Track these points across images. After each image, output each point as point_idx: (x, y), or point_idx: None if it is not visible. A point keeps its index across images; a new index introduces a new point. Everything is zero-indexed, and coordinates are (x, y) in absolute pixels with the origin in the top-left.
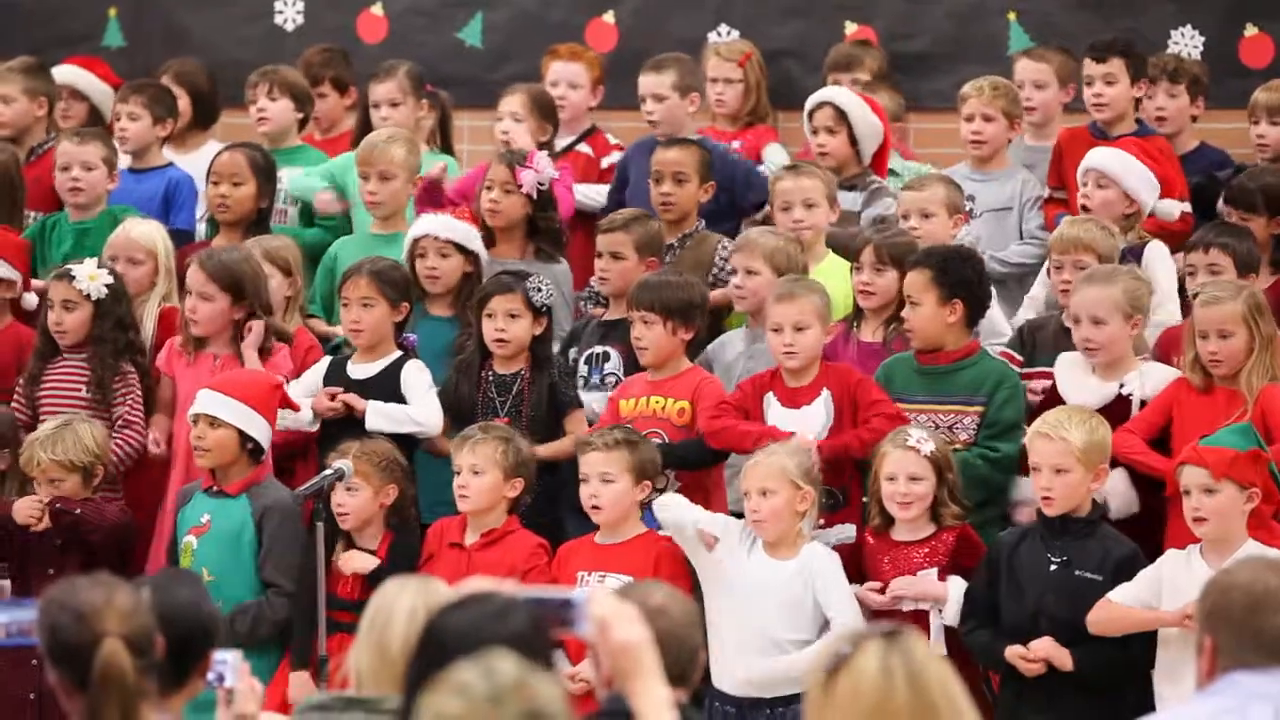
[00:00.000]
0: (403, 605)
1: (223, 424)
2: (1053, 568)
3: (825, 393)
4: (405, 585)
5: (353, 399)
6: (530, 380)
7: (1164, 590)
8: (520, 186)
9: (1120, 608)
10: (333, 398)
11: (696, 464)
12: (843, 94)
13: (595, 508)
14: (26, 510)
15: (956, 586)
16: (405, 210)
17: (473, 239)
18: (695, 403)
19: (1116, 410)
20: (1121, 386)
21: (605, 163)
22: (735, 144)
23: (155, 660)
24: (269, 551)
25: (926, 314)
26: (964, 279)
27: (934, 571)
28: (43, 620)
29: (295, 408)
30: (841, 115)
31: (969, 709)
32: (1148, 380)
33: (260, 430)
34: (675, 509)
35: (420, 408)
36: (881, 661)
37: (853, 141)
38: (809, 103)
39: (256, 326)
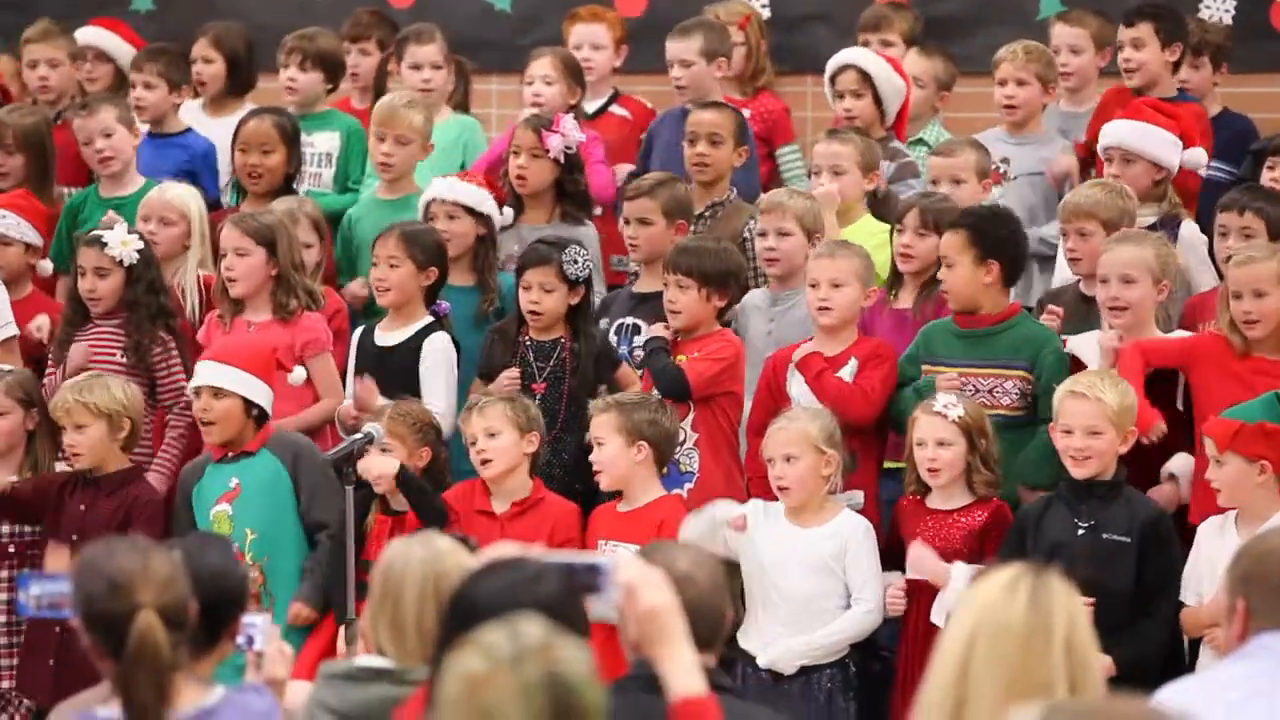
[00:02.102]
0: (413, 570)
1: (226, 394)
2: (1080, 532)
3: (853, 361)
4: (411, 548)
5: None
6: (570, 349)
7: (1201, 561)
8: (547, 151)
9: (1191, 612)
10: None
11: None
12: (865, 56)
13: (598, 471)
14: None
15: (960, 573)
16: (413, 174)
17: (483, 202)
18: (701, 349)
19: (1160, 380)
20: None
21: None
22: (746, 112)
23: (189, 630)
24: (312, 495)
25: (963, 275)
26: (1000, 239)
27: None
28: (77, 586)
29: (288, 369)
30: (865, 78)
31: (1093, 650)
32: None
33: (263, 395)
34: (696, 524)
35: (437, 401)
36: (1012, 580)
37: (878, 103)
38: (830, 66)
39: (297, 373)
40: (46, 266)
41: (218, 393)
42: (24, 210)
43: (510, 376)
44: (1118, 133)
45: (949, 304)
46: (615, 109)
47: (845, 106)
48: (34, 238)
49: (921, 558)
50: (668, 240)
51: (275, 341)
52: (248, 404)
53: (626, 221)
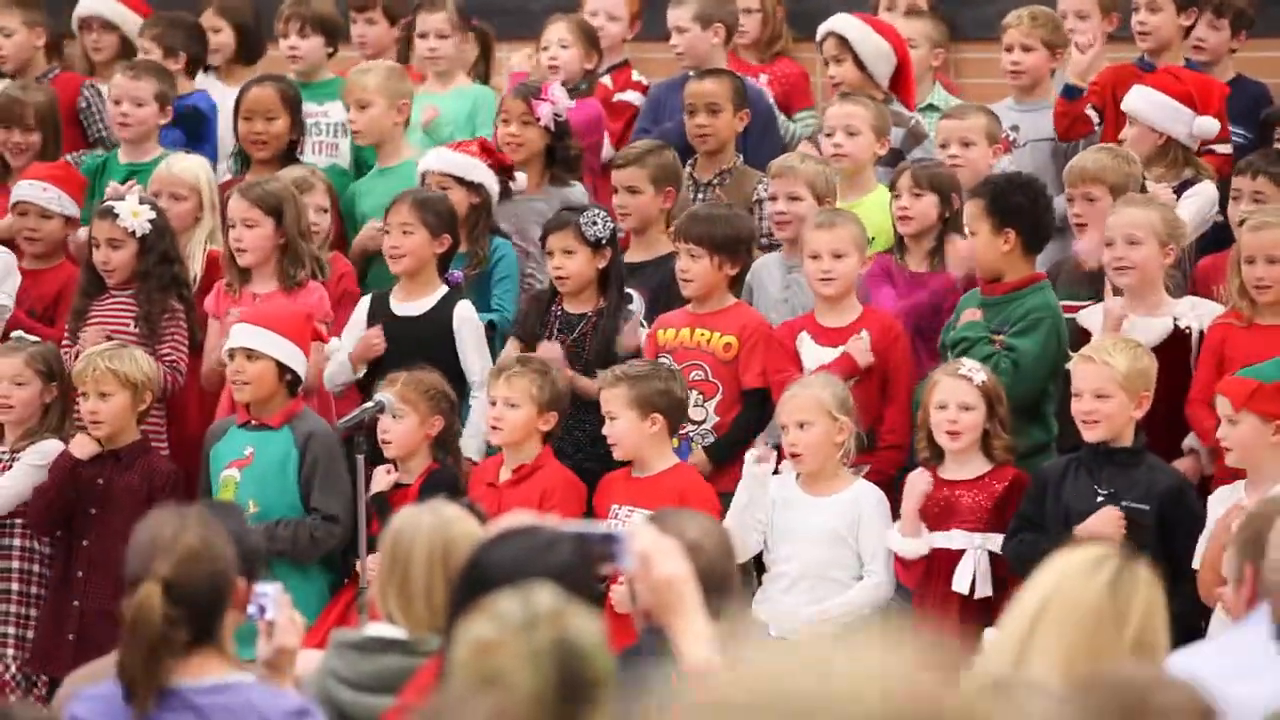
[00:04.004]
0: (421, 537)
1: (260, 356)
2: (1099, 499)
3: (865, 334)
4: (420, 516)
5: None
6: (595, 324)
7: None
8: (538, 119)
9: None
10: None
11: (752, 431)
12: (843, 21)
13: (613, 444)
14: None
15: (968, 562)
16: (402, 140)
17: (472, 170)
18: (744, 342)
19: (1174, 346)
20: (1176, 320)
21: (617, 98)
22: (763, 78)
23: (204, 609)
24: (314, 480)
25: (981, 243)
26: (1017, 207)
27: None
28: (129, 546)
29: (325, 339)
30: (844, 42)
31: (1163, 647)
32: (1201, 313)
33: (297, 361)
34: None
35: (477, 374)
36: (1099, 559)
37: (862, 67)
38: (818, 36)
39: (334, 342)
40: (81, 236)
41: (251, 355)
42: (63, 181)
43: (553, 351)
44: (1128, 99)
45: (976, 271)
46: (605, 79)
47: (830, 73)
48: (73, 210)
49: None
50: (656, 208)
51: None
52: (281, 369)
53: (615, 190)
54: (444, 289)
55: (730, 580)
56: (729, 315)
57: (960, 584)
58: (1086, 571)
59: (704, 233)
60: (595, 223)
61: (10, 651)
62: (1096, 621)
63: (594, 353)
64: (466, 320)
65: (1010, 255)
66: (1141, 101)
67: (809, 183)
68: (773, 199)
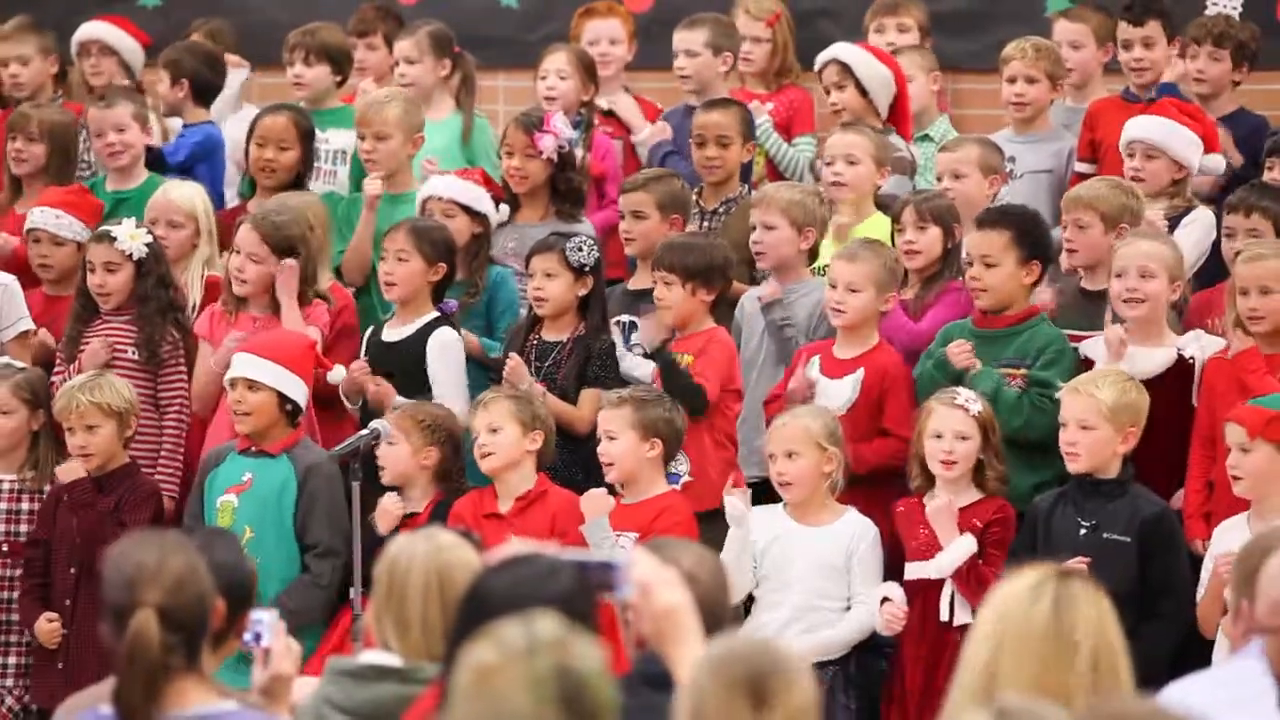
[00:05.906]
0: (417, 565)
1: (261, 387)
2: (1083, 532)
3: (860, 372)
4: (415, 544)
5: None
6: (570, 352)
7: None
8: (540, 152)
9: (1204, 601)
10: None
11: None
12: (845, 48)
13: (608, 464)
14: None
15: (948, 590)
16: (411, 169)
17: (479, 200)
18: (698, 357)
19: (1178, 376)
20: (1181, 350)
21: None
22: (769, 105)
23: (201, 633)
24: (311, 513)
25: (1005, 274)
26: (1041, 241)
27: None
28: (105, 574)
29: (328, 366)
30: (845, 69)
31: (1121, 658)
32: (1206, 344)
33: (298, 391)
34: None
35: (450, 400)
36: (1038, 583)
37: (864, 94)
38: (817, 63)
39: (288, 267)
40: None
41: (253, 385)
42: (75, 207)
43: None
44: (1145, 129)
45: (978, 301)
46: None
47: (832, 100)
48: (85, 236)
49: (940, 511)
50: (662, 235)
51: None
52: (282, 398)
53: (622, 216)
54: (431, 315)
55: (725, 610)
56: (698, 337)
57: (945, 612)
58: (1028, 599)
59: (677, 260)
60: (580, 249)
61: (9, 682)
62: (1047, 646)
63: (564, 382)
64: (439, 343)
65: (1027, 288)
66: (1171, 137)
67: (784, 211)
68: (752, 229)
